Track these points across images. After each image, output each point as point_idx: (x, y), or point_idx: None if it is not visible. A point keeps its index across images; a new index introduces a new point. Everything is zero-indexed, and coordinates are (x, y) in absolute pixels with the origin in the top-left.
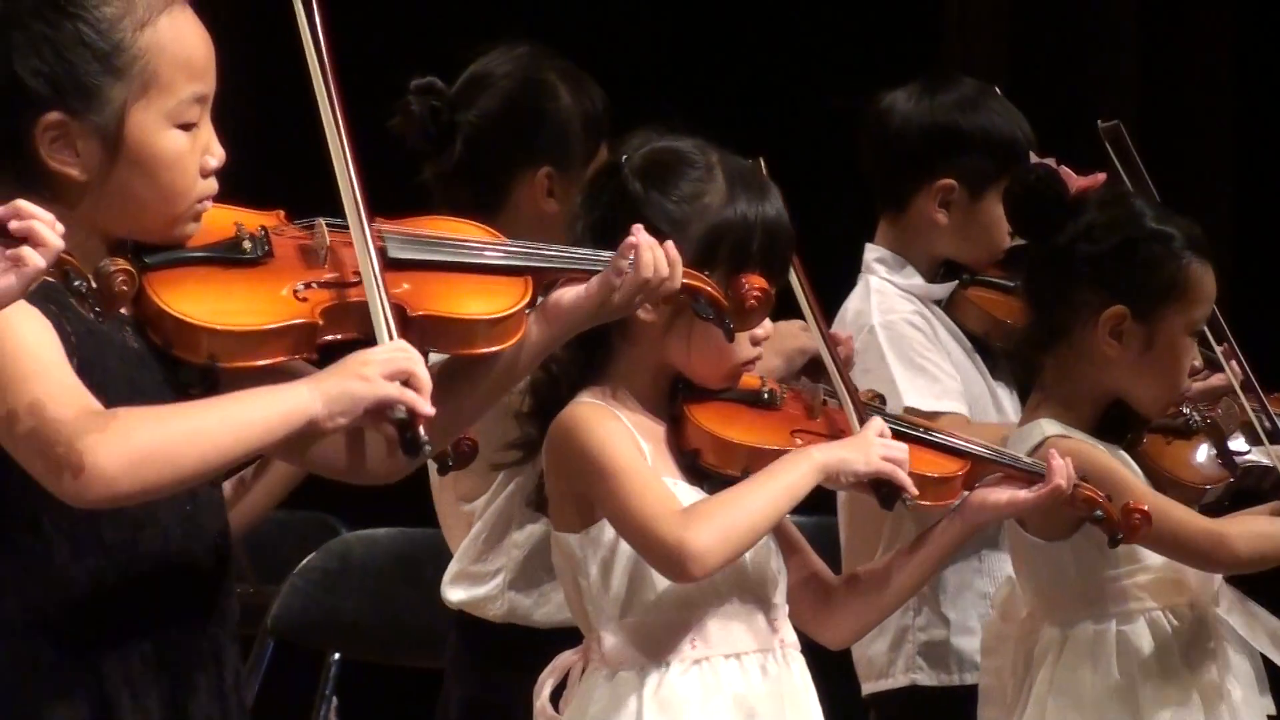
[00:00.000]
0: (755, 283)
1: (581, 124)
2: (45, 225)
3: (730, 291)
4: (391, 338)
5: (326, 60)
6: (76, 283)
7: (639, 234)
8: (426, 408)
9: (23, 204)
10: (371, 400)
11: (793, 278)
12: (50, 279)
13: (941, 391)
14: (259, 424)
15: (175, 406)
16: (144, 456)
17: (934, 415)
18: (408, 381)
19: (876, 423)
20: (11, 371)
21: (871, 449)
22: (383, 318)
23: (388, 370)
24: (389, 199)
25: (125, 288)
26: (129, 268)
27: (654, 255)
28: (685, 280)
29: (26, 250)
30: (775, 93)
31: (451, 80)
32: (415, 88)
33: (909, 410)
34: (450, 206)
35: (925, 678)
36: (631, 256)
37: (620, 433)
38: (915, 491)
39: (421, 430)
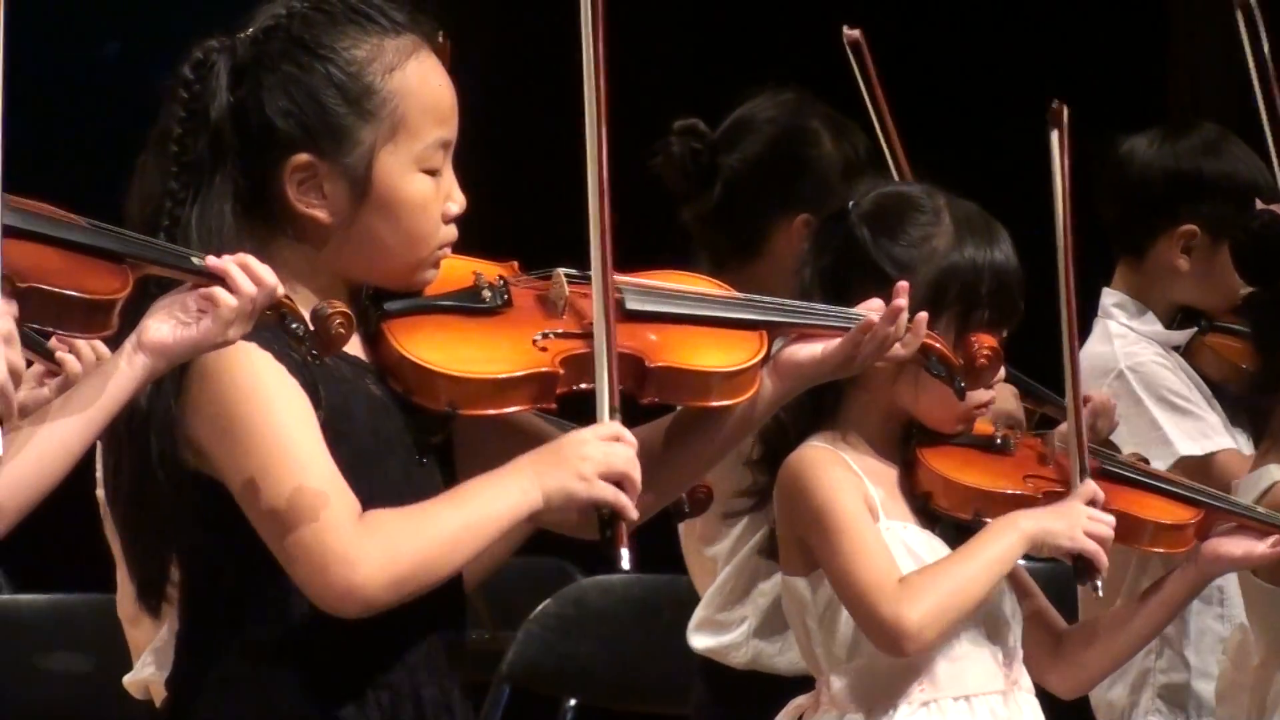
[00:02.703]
0: (986, 342)
1: (842, 171)
2: (242, 269)
3: (961, 351)
4: (614, 400)
5: (602, 107)
6: (293, 325)
7: (888, 302)
8: (633, 514)
9: (243, 256)
10: (587, 500)
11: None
12: (266, 321)
13: (1209, 429)
14: (493, 522)
15: (421, 512)
16: (406, 576)
17: (1210, 457)
18: (622, 483)
19: (1088, 490)
20: (275, 465)
21: (1078, 522)
22: (606, 378)
23: (606, 471)
24: (646, 242)
25: (343, 330)
26: (347, 310)
27: (898, 325)
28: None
29: (218, 291)
30: (1002, 137)
31: (716, 124)
32: (678, 129)
33: (1184, 460)
34: (707, 250)
35: None
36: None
37: (847, 483)
38: (1106, 575)
39: (623, 529)
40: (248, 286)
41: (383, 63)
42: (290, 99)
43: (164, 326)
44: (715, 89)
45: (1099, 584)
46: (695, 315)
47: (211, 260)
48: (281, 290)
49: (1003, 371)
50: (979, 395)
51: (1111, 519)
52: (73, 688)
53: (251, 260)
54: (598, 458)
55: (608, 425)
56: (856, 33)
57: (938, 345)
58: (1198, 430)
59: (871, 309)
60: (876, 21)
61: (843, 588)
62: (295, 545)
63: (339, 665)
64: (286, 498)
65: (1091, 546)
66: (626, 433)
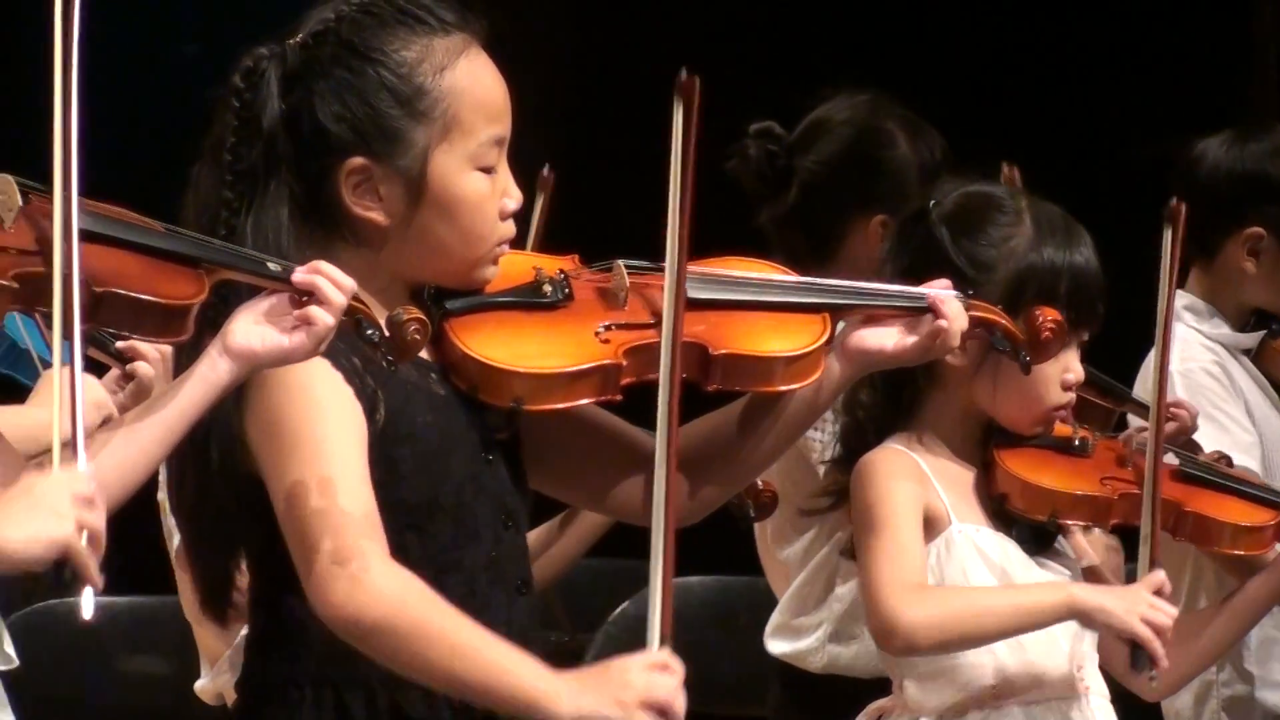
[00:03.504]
0: (1049, 315)
1: (918, 173)
2: (329, 280)
3: (1024, 324)
4: (665, 628)
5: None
6: (369, 332)
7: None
8: None
9: (319, 264)
10: None
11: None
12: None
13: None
14: (506, 703)
15: (450, 610)
16: (399, 634)
17: None
18: (664, 713)
19: (1156, 579)
20: (311, 458)
21: (1138, 607)
22: (660, 599)
23: (649, 702)
24: (721, 245)
25: (419, 336)
26: (422, 316)
27: (955, 310)
28: (979, 313)
29: (315, 310)
30: (1085, 142)
31: (793, 126)
32: (754, 131)
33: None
34: (784, 252)
35: None
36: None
37: (906, 489)
38: (1166, 665)
39: None
40: (337, 297)
41: (433, 63)
42: (342, 103)
43: (252, 333)
44: (791, 91)
45: (1154, 675)
46: (757, 301)
47: (298, 276)
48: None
49: (1079, 372)
50: (1059, 396)
51: (1173, 610)
52: (151, 690)
53: (327, 266)
54: (639, 686)
55: (655, 654)
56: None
57: (1002, 320)
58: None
59: (938, 286)
60: (952, 22)
61: (863, 582)
62: (315, 552)
63: None
64: (318, 510)
65: (1146, 633)
66: (675, 662)
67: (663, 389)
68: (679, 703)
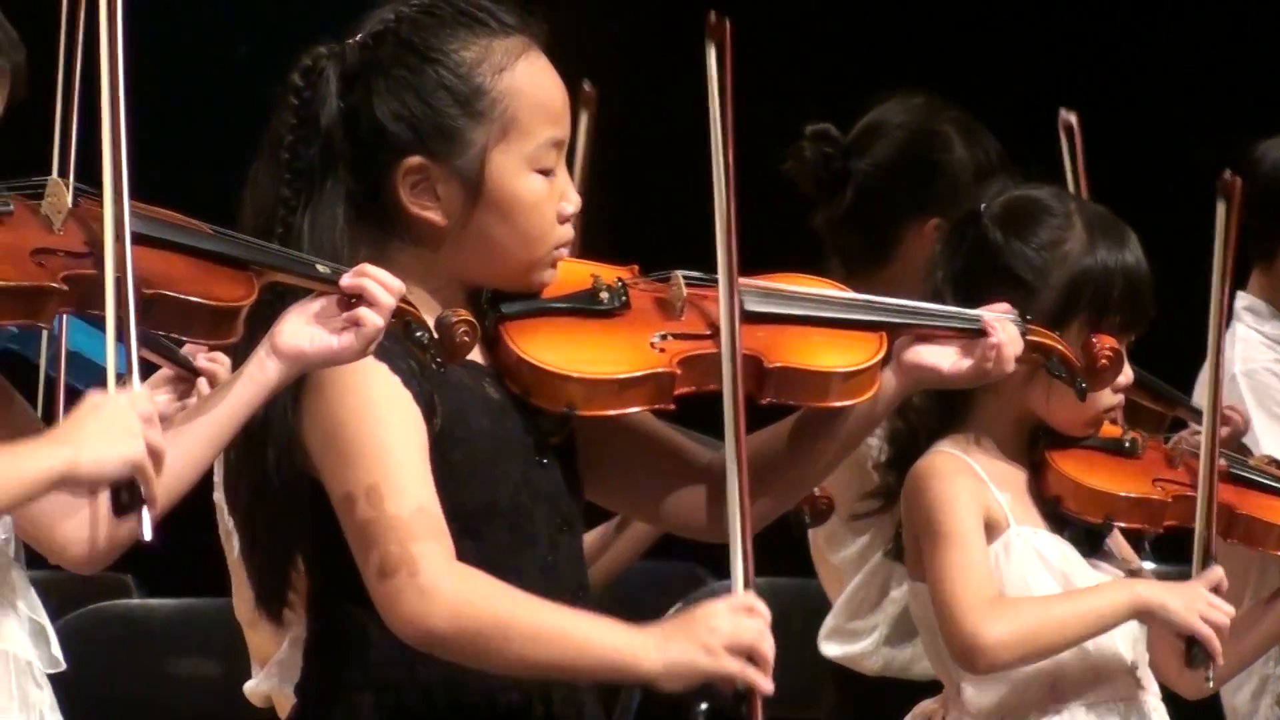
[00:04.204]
0: (1106, 343)
1: (974, 176)
2: (376, 283)
3: (1082, 352)
4: (748, 571)
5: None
6: (418, 334)
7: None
8: (767, 686)
9: (366, 266)
10: (711, 674)
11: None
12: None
13: None
14: (594, 671)
15: (523, 595)
16: (471, 636)
17: None
18: (753, 656)
19: (1214, 575)
20: (372, 463)
21: (1197, 604)
22: (741, 548)
23: (735, 645)
24: (776, 247)
25: (467, 339)
26: (470, 318)
27: (1011, 335)
28: (1036, 339)
29: (364, 311)
30: (1144, 144)
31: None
32: (810, 133)
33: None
34: (840, 253)
35: None
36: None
37: (967, 494)
38: (1222, 663)
39: (758, 705)
40: (385, 299)
41: (492, 64)
42: (401, 102)
43: (300, 334)
44: (847, 93)
45: (1210, 673)
46: (814, 316)
47: (346, 280)
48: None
49: (1129, 374)
50: (1107, 399)
51: (1231, 609)
52: (202, 692)
53: (374, 269)
54: (725, 630)
55: (741, 597)
56: (1072, 116)
57: (1059, 346)
58: None
59: (996, 310)
60: (1009, 24)
61: (936, 596)
62: (381, 563)
63: (468, 667)
64: (382, 517)
65: (1205, 630)
66: (760, 605)
67: (726, 362)
68: (767, 644)
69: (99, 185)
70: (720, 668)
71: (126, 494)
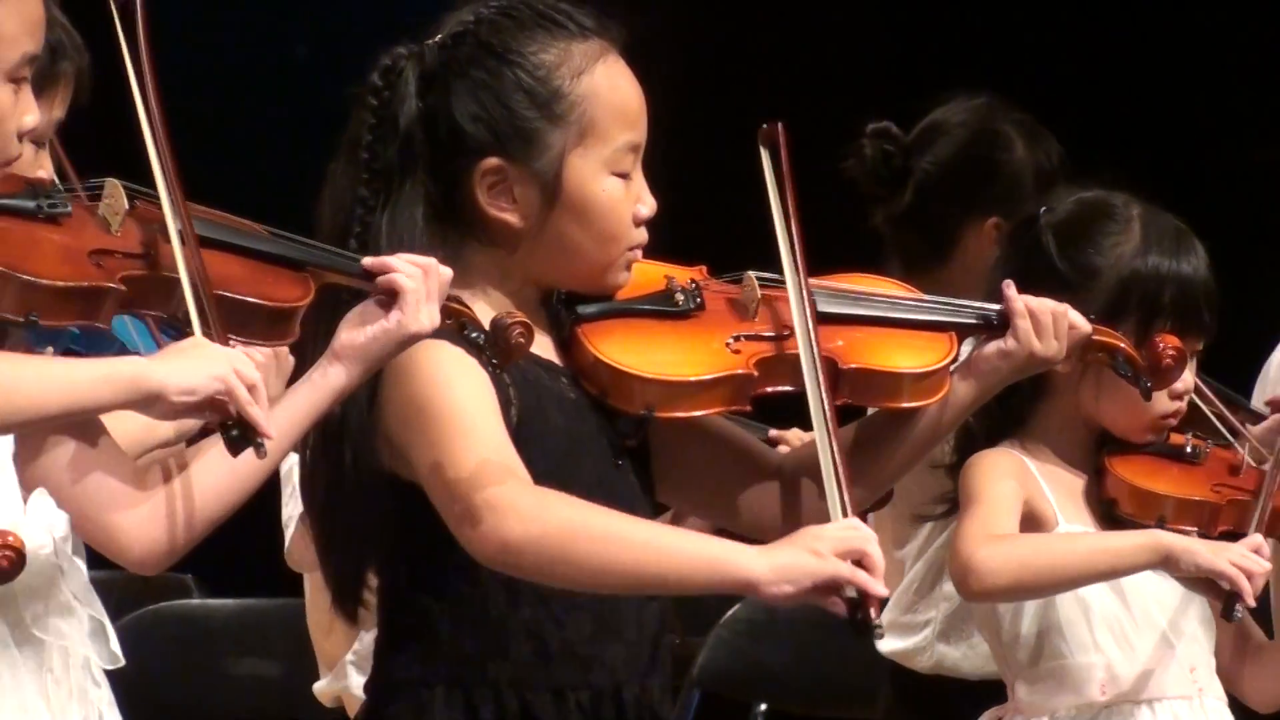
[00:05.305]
0: (1170, 342)
1: (1034, 176)
2: (397, 258)
3: (1145, 351)
4: (846, 514)
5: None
6: (473, 335)
7: (1012, 298)
8: (879, 589)
9: (387, 258)
10: (823, 577)
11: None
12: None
13: None
14: (690, 573)
15: (602, 508)
16: (550, 538)
17: None
18: (860, 561)
19: (1253, 541)
20: (448, 425)
21: (1227, 553)
22: (838, 498)
23: (841, 548)
24: (836, 245)
25: (522, 340)
26: (526, 320)
27: (1047, 319)
28: (1101, 338)
29: (395, 276)
30: (1202, 146)
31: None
32: (871, 131)
33: None
34: (900, 252)
35: None
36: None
37: (1007, 481)
38: (1253, 604)
39: (873, 612)
40: (412, 268)
41: (570, 67)
42: (479, 104)
43: (354, 331)
44: (908, 93)
45: (1238, 609)
46: (886, 317)
47: (367, 260)
48: (450, 274)
49: (1189, 380)
50: (1165, 404)
51: (1266, 564)
52: (262, 693)
53: (403, 254)
54: (832, 537)
55: (844, 520)
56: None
57: (1124, 345)
58: None
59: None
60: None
61: (952, 539)
62: (460, 502)
63: (538, 666)
64: (456, 466)
65: (1233, 571)
66: (862, 524)
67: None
68: (874, 551)
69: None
70: (829, 568)
71: (235, 428)
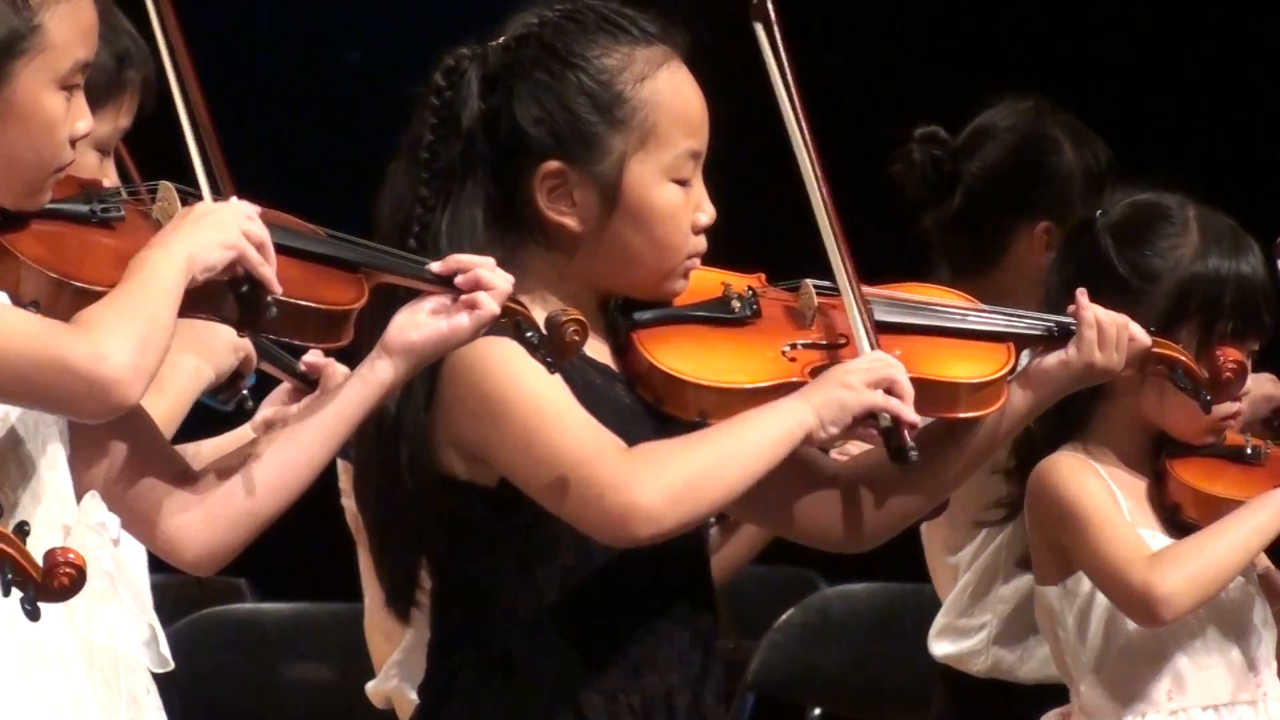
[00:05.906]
0: (1231, 355)
1: (1083, 180)
2: (488, 269)
3: (1205, 363)
4: (873, 348)
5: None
6: (528, 334)
7: (1085, 307)
8: (911, 414)
9: (462, 258)
10: (859, 407)
11: None
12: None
13: None
14: (768, 445)
15: (690, 438)
16: (682, 490)
17: None
18: (891, 389)
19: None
20: (535, 423)
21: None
22: (863, 329)
23: (871, 378)
24: (886, 250)
25: (577, 338)
26: (580, 317)
27: (1112, 331)
28: (1162, 350)
29: (481, 295)
30: (1255, 145)
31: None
32: (919, 136)
33: None
34: (948, 256)
35: None
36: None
37: (1096, 483)
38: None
39: (907, 435)
40: (502, 283)
41: (633, 72)
42: (541, 106)
43: (408, 328)
44: (956, 97)
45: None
46: (944, 327)
47: (461, 278)
48: (512, 281)
49: (1249, 384)
50: (1226, 407)
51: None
52: (316, 696)
53: (471, 257)
54: (862, 368)
55: (871, 354)
56: None
57: (1183, 358)
58: None
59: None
60: (1116, 27)
61: (1095, 570)
62: (567, 488)
63: (590, 669)
64: (551, 450)
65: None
66: (888, 356)
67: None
68: (903, 378)
69: (216, 190)
70: (863, 400)
71: (246, 287)
